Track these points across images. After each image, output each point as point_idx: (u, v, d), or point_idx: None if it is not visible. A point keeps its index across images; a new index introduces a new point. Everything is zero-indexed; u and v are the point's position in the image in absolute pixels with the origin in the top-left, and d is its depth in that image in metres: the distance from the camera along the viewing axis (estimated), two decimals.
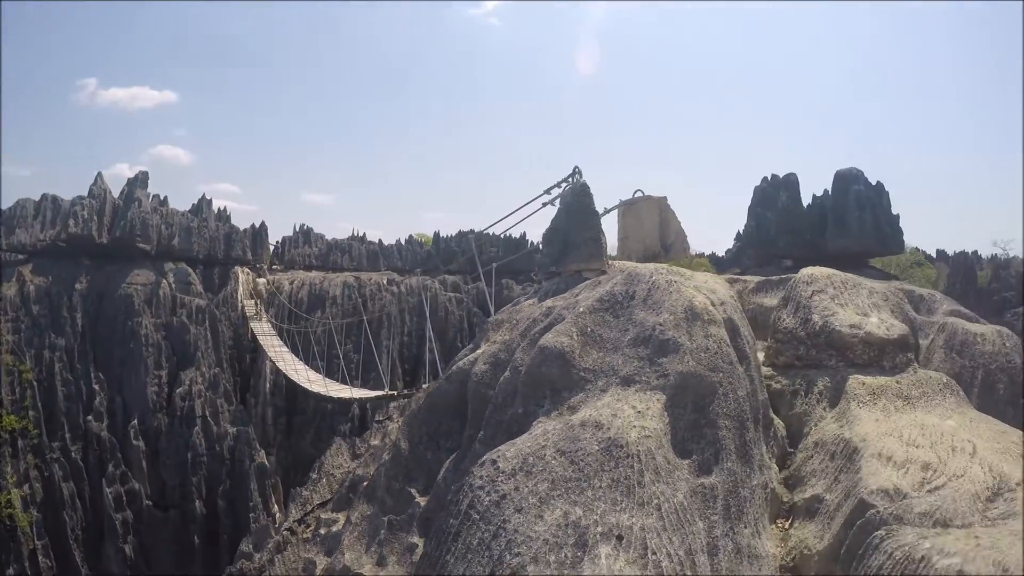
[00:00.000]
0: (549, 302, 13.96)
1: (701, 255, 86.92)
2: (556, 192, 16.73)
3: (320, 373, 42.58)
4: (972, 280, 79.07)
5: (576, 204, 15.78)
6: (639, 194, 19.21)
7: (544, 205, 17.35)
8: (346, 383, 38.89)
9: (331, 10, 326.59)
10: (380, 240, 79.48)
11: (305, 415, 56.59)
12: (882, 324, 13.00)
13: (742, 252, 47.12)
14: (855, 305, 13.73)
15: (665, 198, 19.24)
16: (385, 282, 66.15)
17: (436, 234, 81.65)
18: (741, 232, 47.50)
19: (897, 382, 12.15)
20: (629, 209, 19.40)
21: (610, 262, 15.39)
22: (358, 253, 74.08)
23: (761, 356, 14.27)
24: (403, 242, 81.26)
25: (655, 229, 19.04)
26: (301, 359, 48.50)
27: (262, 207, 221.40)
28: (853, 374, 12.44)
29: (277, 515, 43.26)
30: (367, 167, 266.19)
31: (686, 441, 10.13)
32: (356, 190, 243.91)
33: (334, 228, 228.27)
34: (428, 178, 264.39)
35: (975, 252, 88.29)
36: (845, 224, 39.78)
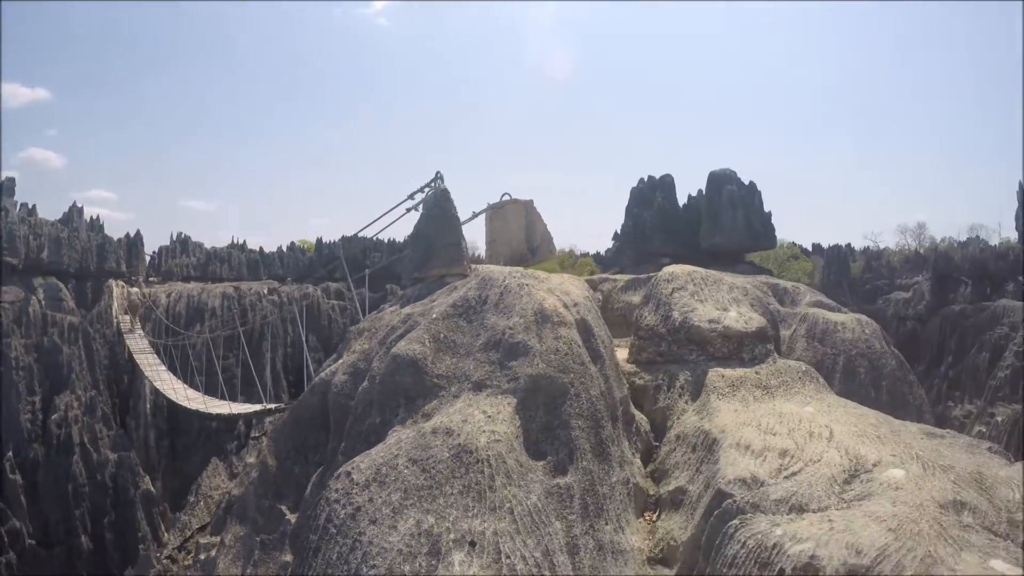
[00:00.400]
0: (408, 309, 13.61)
1: (586, 255, 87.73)
2: (420, 197, 16.48)
3: (199, 390, 40.93)
4: (846, 271, 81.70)
5: (437, 210, 15.59)
6: (506, 197, 18.99)
7: (408, 211, 17.03)
8: (226, 399, 37.44)
9: (216, 9, 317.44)
10: (261, 248, 76.13)
11: (190, 436, 54.06)
12: (740, 318, 12.97)
13: (622, 252, 47.51)
14: (715, 300, 13.69)
15: (531, 201, 19.05)
16: (266, 291, 63.58)
17: (319, 240, 79.28)
18: (619, 232, 47.77)
19: (756, 373, 12.11)
20: (496, 212, 19.14)
21: (473, 266, 15.14)
22: (238, 262, 70.85)
23: (627, 353, 14.17)
24: (285, 249, 77.90)
25: (521, 232, 18.82)
26: (180, 376, 46.55)
27: (139, 215, 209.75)
28: (713, 367, 12.40)
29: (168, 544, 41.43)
30: (250, 172, 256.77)
31: (540, 443, 9.87)
32: (239, 196, 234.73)
33: (215, 237, 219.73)
34: (315, 183, 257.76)
35: (848, 245, 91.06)
36: (719, 223, 40.54)
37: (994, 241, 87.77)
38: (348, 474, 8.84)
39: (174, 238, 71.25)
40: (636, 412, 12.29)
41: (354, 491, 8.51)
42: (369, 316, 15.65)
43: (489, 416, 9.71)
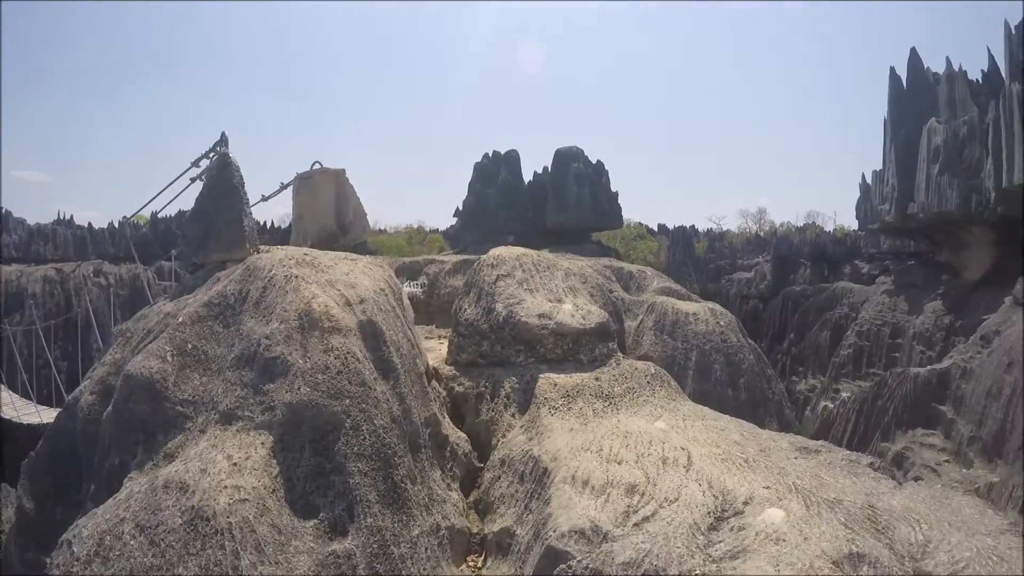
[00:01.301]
0: (171, 305, 10.47)
1: (436, 231, 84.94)
2: (205, 164, 13.26)
3: (22, 392, 34.48)
4: (690, 251, 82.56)
5: (219, 179, 12.41)
6: (317, 167, 16.15)
7: (192, 181, 13.75)
8: (49, 402, 31.69)
9: None
10: (90, 224, 68.29)
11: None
12: (577, 312, 10.51)
13: (465, 229, 44.74)
14: (548, 290, 11.21)
15: (343, 170, 16.17)
16: (92, 273, 57.41)
17: (154, 215, 72.31)
18: (460, 208, 44.99)
19: (596, 379, 9.68)
20: (304, 184, 16.20)
21: (266, 249, 12.21)
22: (64, 240, 63.31)
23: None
24: (116, 225, 69.43)
25: (331, 206, 15.96)
26: None
27: None
28: (545, 372, 9.92)
29: None
30: (88, 142, 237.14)
31: (308, 495, 7.10)
32: (76, 167, 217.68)
33: (48, 211, 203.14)
34: (153, 152, 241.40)
35: (692, 226, 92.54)
36: (564, 200, 38.37)
37: (829, 227, 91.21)
38: (69, 544, 6.53)
39: None
40: (452, 432, 9.66)
41: (75, 569, 6.21)
42: (140, 312, 12.41)
43: (235, 463, 6.91)
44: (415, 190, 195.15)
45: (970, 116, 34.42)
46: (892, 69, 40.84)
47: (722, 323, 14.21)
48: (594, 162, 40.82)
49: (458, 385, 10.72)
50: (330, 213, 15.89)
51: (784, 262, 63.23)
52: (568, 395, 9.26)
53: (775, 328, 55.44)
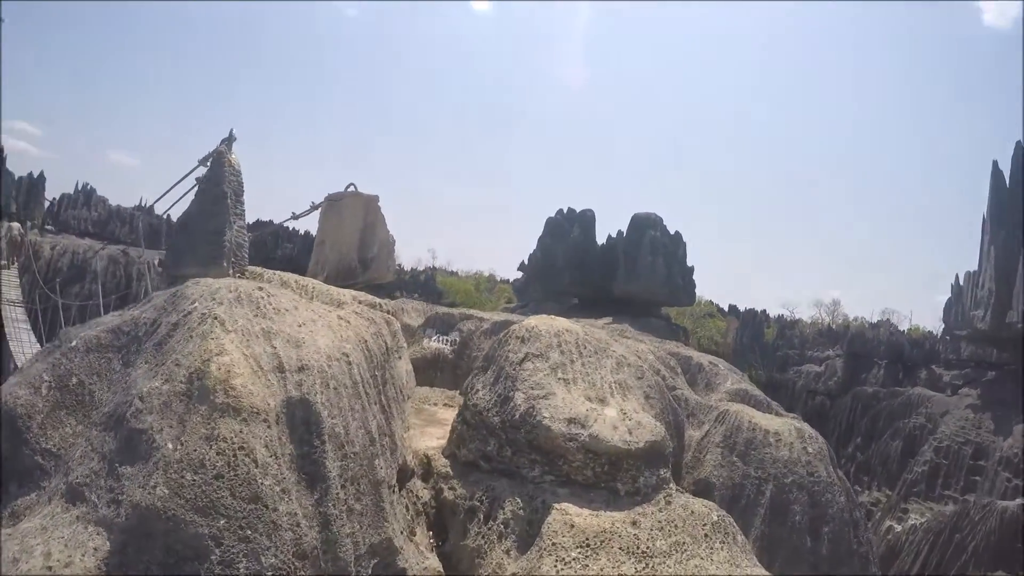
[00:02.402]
0: (119, 320, 7.89)
1: (507, 282, 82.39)
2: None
3: None
4: (759, 337, 78.87)
5: (207, 183, 10.22)
6: (351, 188, 13.67)
7: (197, 183, 11.37)
8: None
9: None
10: (168, 216, 68.24)
11: None
12: (623, 422, 7.46)
13: (529, 284, 41.65)
14: (589, 383, 8.20)
15: (376, 198, 13.57)
16: (156, 262, 55.58)
17: None
18: (526, 262, 42.06)
19: (634, 523, 6.61)
20: (332, 207, 13.63)
21: (255, 271, 9.96)
22: (139, 225, 62.05)
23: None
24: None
25: (355, 236, 13.32)
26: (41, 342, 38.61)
27: (64, 157, 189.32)
28: (564, 500, 6.90)
29: None
30: (183, 129, 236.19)
31: None
32: (168, 153, 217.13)
33: (138, 193, 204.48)
34: (254, 145, 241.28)
35: (763, 311, 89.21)
36: (636, 269, 35.13)
37: (904, 326, 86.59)
38: None
39: (79, 187, 63.28)
40: (416, 560, 6.70)
41: None
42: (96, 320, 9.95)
43: (50, 568, 4.55)
44: (489, 235, 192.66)
45: None
46: (995, 163, 37.03)
47: (810, 450, 10.91)
48: (672, 232, 37.58)
49: (449, 489, 7.81)
50: (352, 244, 13.25)
51: (857, 359, 59.11)
52: (588, 545, 6.25)
53: (841, 429, 51.25)
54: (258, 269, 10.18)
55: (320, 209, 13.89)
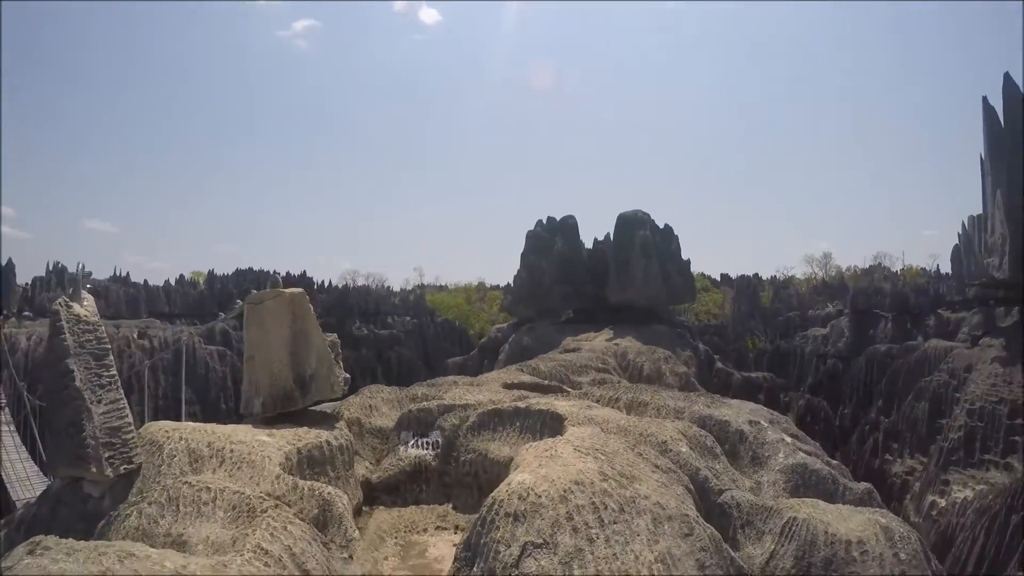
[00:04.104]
0: None
1: (496, 288, 79.63)
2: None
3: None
4: (756, 302, 76.60)
5: (50, 352, 7.69)
6: (277, 279, 10.73)
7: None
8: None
9: (131, 22, 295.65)
10: (145, 281, 65.42)
11: None
12: None
13: (518, 303, 38.62)
14: (619, 566, 5.42)
15: (302, 293, 10.58)
16: (135, 335, 52.98)
17: (210, 272, 67.74)
18: (511, 284, 39.08)
19: None
20: (253, 312, 10.63)
21: (131, 460, 7.07)
22: (117, 298, 59.90)
23: None
24: (172, 283, 66.57)
25: (284, 348, 10.32)
26: (26, 443, 35.64)
27: (39, 235, 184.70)
28: None
29: None
30: (157, 192, 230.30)
31: None
32: (144, 217, 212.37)
33: (116, 261, 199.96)
34: (219, 206, 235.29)
35: (756, 275, 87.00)
36: (630, 274, 32.24)
37: (897, 267, 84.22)
38: None
39: (49, 268, 60.64)
40: None
41: None
42: None
43: None
44: (474, 244, 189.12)
45: None
46: (984, 100, 34.04)
47: (903, 556, 8.05)
48: (661, 227, 34.60)
49: None
50: (283, 360, 10.23)
51: (863, 316, 56.51)
52: None
53: (859, 393, 48.60)
54: (162, 435, 7.37)
55: (245, 314, 11.00)
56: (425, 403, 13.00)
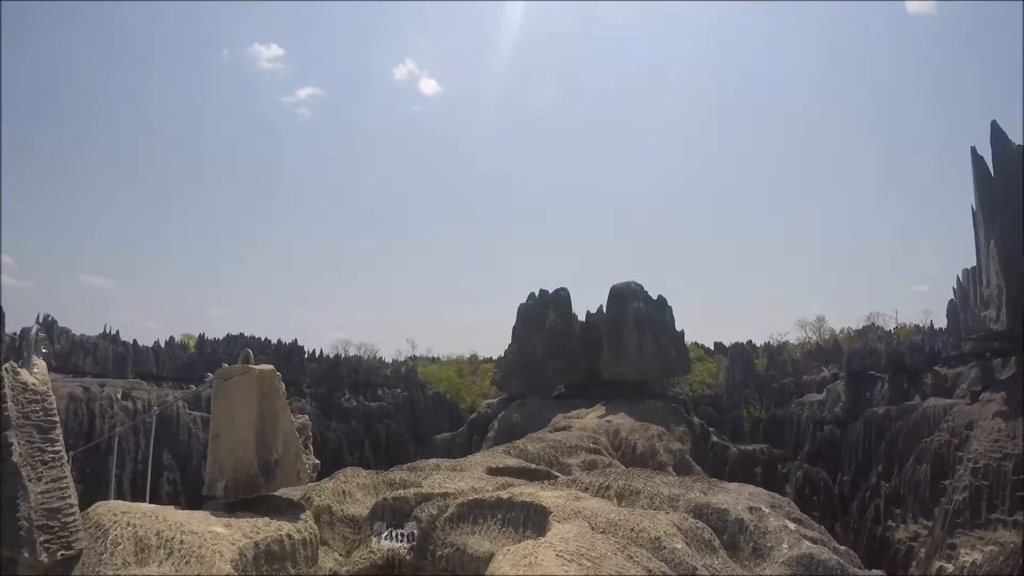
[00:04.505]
0: None
1: (489, 360, 79.07)
2: None
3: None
4: (750, 370, 75.95)
5: None
6: (245, 354, 10.39)
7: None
8: None
9: (136, 85, 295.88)
10: (134, 340, 64.29)
11: None
12: None
13: (510, 377, 38.08)
14: None
15: (272, 371, 10.03)
16: (119, 396, 51.34)
17: (201, 336, 67.89)
18: (502, 358, 38.65)
19: None
20: (222, 389, 10.06)
21: (70, 545, 6.74)
22: (104, 356, 58.80)
23: None
24: (162, 344, 66.03)
25: (251, 430, 9.72)
26: None
27: (39, 284, 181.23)
28: None
29: None
30: (153, 250, 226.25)
31: None
32: (140, 276, 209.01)
33: (106, 317, 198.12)
34: (215, 268, 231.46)
35: (749, 342, 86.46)
36: (623, 349, 31.89)
37: (891, 326, 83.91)
38: None
39: (39, 320, 59.76)
40: None
41: None
42: None
43: None
44: (468, 316, 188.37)
45: None
46: (973, 150, 34.23)
47: None
48: (655, 298, 34.41)
49: None
50: (249, 444, 9.68)
51: (859, 379, 55.83)
52: None
53: (858, 459, 47.79)
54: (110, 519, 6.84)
55: (213, 392, 10.48)
56: (402, 491, 12.39)
